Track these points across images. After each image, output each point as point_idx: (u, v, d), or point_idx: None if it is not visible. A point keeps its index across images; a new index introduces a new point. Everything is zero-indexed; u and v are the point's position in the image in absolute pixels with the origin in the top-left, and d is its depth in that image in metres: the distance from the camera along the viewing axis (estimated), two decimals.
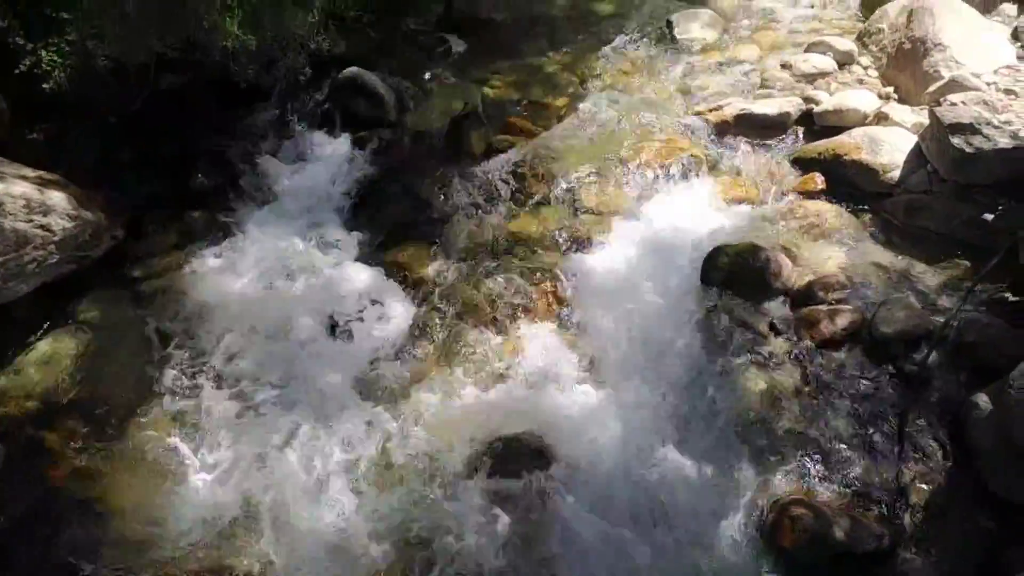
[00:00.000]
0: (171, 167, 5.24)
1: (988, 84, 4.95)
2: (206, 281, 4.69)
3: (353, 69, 5.86)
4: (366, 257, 4.88)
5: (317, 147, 5.60)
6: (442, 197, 5.21)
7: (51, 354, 4.24)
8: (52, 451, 3.86)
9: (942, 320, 3.78)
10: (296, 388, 4.15)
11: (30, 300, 4.30)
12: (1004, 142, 4.23)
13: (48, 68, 4.16)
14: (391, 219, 5.14)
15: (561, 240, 4.81)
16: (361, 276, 4.68)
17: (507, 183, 5.23)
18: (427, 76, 6.31)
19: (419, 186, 5.30)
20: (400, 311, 4.50)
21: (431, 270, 4.76)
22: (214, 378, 4.20)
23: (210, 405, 4.06)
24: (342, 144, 5.63)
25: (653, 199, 5.00)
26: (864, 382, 3.74)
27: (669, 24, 6.50)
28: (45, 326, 4.36)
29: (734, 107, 5.42)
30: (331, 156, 5.55)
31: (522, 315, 4.41)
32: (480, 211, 5.11)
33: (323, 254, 4.86)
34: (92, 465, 3.79)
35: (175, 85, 5.36)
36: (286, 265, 4.77)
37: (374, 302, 4.56)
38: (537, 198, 5.12)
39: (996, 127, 4.34)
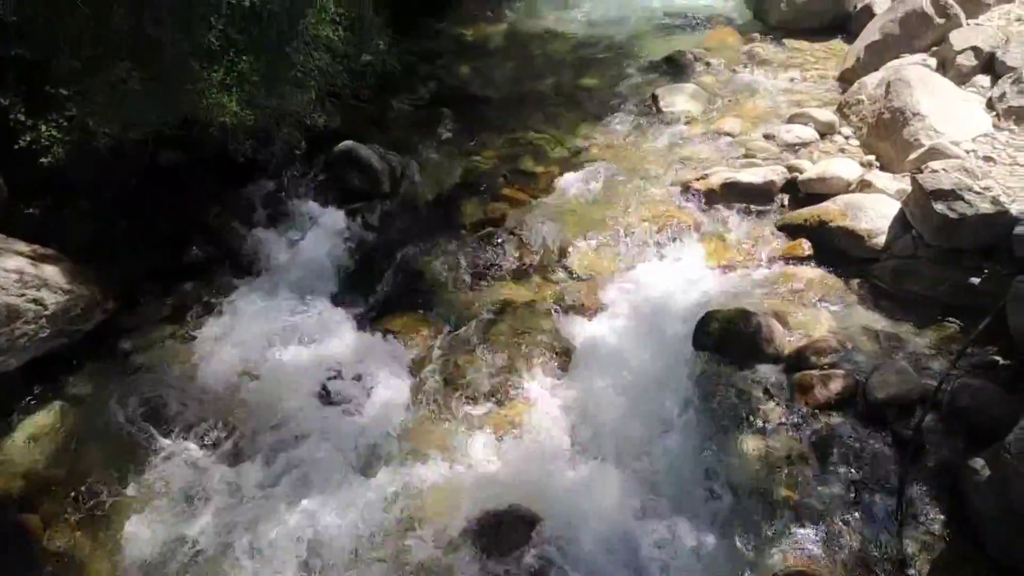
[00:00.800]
0: (166, 241, 5.29)
1: (967, 152, 5.09)
2: (198, 354, 4.67)
3: (348, 143, 5.99)
4: (360, 328, 4.88)
5: (312, 219, 5.67)
6: (435, 267, 5.26)
7: (38, 431, 4.19)
8: (35, 532, 3.77)
9: (935, 384, 3.77)
10: (288, 462, 4.08)
11: (19, 375, 4.27)
12: (985, 207, 4.32)
13: (47, 143, 4.25)
14: (385, 289, 5.17)
15: (553, 307, 4.84)
16: (355, 347, 4.68)
17: (499, 252, 5.30)
18: (420, 149, 6.43)
19: (412, 256, 5.36)
20: (393, 381, 4.48)
21: (424, 339, 4.76)
22: (205, 454, 4.14)
23: (200, 482, 3.99)
24: (336, 216, 5.70)
25: (644, 265, 5.06)
26: (860, 448, 3.70)
27: (654, 98, 6.70)
28: (33, 402, 4.32)
29: (720, 176, 5.53)
30: (326, 228, 5.61)
31: (514, 384, 4.39)
32: (473, 280, 5.15)
33: (317, 325, 4.86)
34: (76, 548, 3.70)
35: (173, 161, 5.46)
36: (280, 337, 4.77)
37: (368, 373, 4.55)
38: (529, 266, 5.19)
39: (977, 193, 4.44)
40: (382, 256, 5.45)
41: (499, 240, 5.38)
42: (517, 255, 5.26)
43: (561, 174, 6.00)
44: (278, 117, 4.98)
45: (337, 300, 5.09)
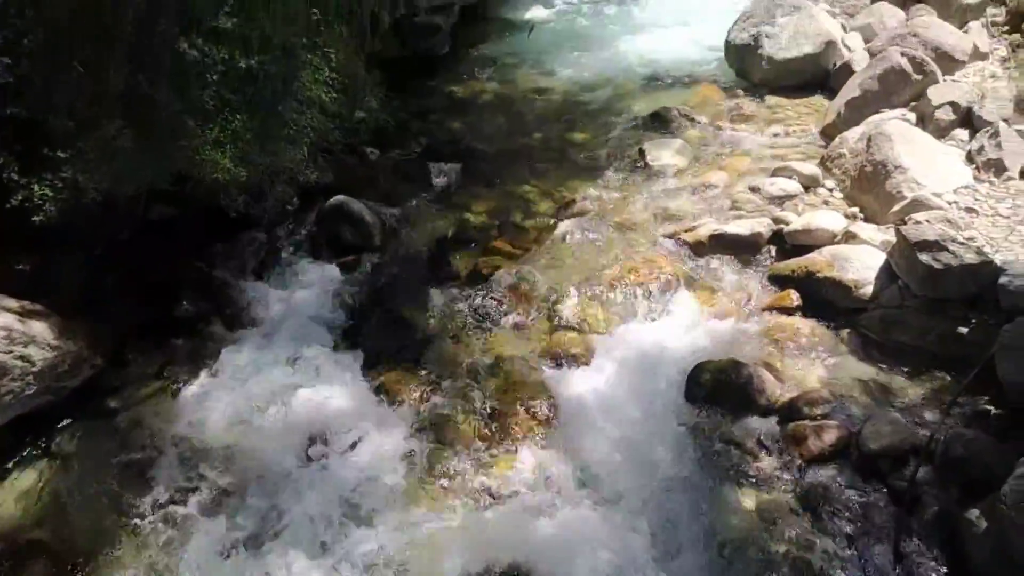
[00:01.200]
0: (157, 295, 5.26)
1: (949, 203, 5.19)
2: (187, 411, 4.61)
3: (340, 197, 6.05)
4: (351, 381, 4.84)
5: (304, 273, 5.69)
6: (426, 319, 5.27)
7: (24, 489, 4.10)
8: None
9: (928, 435, 3.77)
10: (277, 521, 4.00)
11: (3, 432, 4.20)
12: (970, 258, 4.38)
13: (39, 202, 4.27)
14: (375, 342, 5.14)
15: (545, 360, 4.83)
16: (345, 402, 4.63)
17: (491, 304, 5.30)
18: (412, 203, 6.50)
19: (403, 309, 5.36)
20: (383, 438, 4.42)
21: (415, 393, 4.73)
22: (191, 515, 4.05)
23: (187, 543, 3.89)
24: (328, 270, 5.72)
25: (635, 316, 5.08)
26: (855, 500, 3.67)
27: (642, 152, 6.82)
28: (18, 459, 4.24)
29: (708, 227, 5.61)
30: (317, 281, 5.62)
31: (507, 438, 4.35)
32: (464, 332, 5.15)
33: (307, 380, 4.81)
34: None
35: (165, 215, 5.49)
36: (269, 392, 4.71)
37: (357, 429, 4.50)
38: (520, 318, 5.19)
39: (961, 244, 4.51)
40: (373, 309, 5.44)
41: (491, 292, 5.39)
42: (509, 307, 5.27)
43: (552, 227, 6.06)
44: (271, 173, 5.04)
45: (328, 354, 5.05)
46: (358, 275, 5.74)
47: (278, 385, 4.78)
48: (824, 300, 4.90)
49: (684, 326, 4.96)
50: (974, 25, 7.43)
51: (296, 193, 5.85)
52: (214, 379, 4.83)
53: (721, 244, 5.51)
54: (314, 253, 5.87)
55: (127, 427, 4.50)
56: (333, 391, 4.74)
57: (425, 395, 4.70)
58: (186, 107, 4.12)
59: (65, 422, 4.46)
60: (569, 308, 5.16)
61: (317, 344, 5.13)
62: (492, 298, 5.34)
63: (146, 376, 4.83)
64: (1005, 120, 5.81)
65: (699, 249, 5.54)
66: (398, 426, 4.51)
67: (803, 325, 4.80)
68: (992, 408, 3.91)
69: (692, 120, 7.39)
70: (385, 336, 5.19)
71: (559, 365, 4.79)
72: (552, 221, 6.16)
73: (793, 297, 5.00)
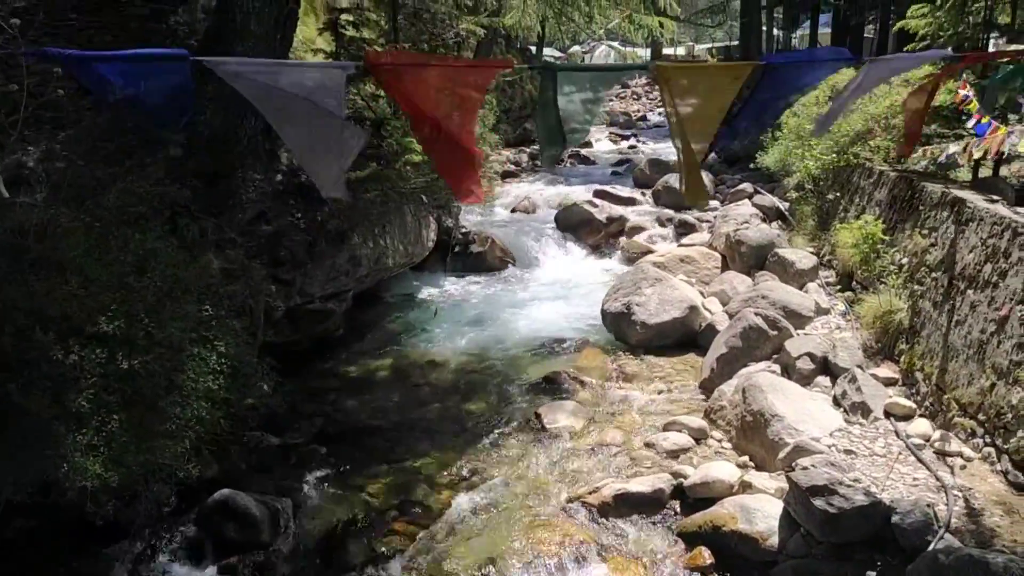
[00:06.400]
0: None
1: (829, 447, 5.47)
2: None
3: (224, 492, 5.65)
4: None
5: None
6: None
7: None
8: None
9: None
10: None
11: None
12: (860, 499, 4.53)
13: None
14: None
15: None
16: None
17: None
18: (305, 490, 6.17)
19: None
20: None
21: None
22: None
23: None
24: None
25: None
26: None
27: (538, 416, 6.95)
28: None
29: (611, 488, 5.60)
30: None
31: None
32: None
33: None
34: None
35: (24, 529, 4.92)
36: None
37: None
38: None
39: (849, 486, 4.69)
40: None
41: None
42: None
43: (453, 501, 5.86)
44: (147, 473, 4.70)
45: None
46: None
47: None
48: (736, 555, 4.84)
49: None
50: (812, 286, 8.49)
51: (174, 492, 5.43)
52: None
53: (626, 503, 5.48)
54: (193, 558, 5.32)
55: None
56: None
57: None
58: (57, 413, 3.89)
59: None
60: None
61: None
62: None
63: None
64: (859, 366, 6.41)
65: (605, 510, 5.47)
66: None
67: None
68: None
69: (581, 382, 7.70)
70: None
71: None
72: (454, 495, 5.97)
73: (705, 555, 4.91)
